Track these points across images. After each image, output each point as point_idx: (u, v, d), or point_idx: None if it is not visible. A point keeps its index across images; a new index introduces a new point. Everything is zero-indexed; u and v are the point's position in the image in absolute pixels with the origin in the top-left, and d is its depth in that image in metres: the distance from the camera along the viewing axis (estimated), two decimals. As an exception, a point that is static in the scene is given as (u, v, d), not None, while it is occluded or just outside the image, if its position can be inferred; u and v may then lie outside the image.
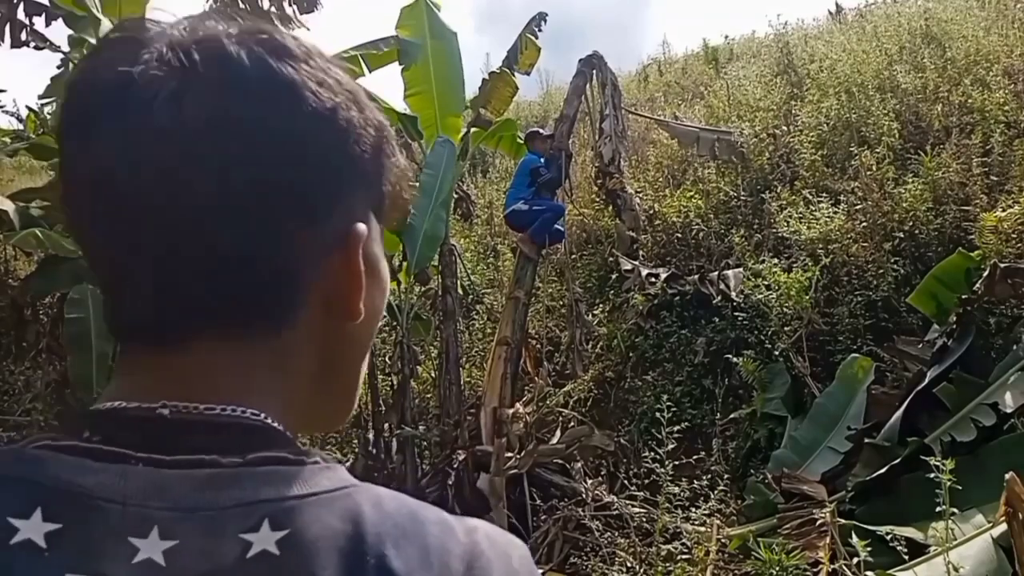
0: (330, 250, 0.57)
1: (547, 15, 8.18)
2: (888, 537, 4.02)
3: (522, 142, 7.93)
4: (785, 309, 6.45)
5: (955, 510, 3.63)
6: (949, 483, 3.44)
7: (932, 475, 3.53)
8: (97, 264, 0.56)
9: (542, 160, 7.51)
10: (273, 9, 7.40)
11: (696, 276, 7.58)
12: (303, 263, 0.56)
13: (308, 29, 7.51)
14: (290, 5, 7.39)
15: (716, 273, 7.41)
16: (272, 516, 0.48)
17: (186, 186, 0.52)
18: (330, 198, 0.57)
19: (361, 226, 0.58)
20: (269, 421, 0.54)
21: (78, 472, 0.48)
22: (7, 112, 8.45)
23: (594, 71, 8.23)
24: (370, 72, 7.90)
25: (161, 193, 0.51)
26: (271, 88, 0.54)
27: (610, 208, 8.82)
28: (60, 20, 7.13)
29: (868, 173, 7.25)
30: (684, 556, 4.46)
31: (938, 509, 3.45)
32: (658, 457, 4.66)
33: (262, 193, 0.53)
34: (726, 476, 5.30)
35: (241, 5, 7.27)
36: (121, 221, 0.53)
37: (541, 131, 8.05)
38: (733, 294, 7.05)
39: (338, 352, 0.60)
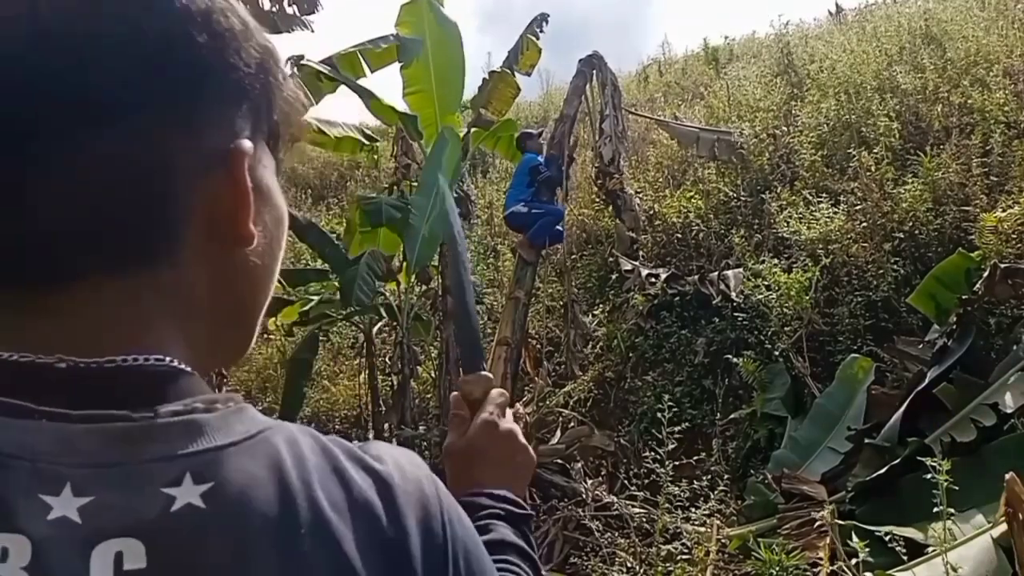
0: (212, 168, 0.52)
1: (549, 16, 8.18)
2: (888, 538, 4.01)
3: (517, 146, 7.93)
4: (785, 309, 6.44)
5: (955, 511, 3.63)
6: (948, 483, 3.44)
7: (932, 475, 3.53)
8: None
9: (540, 159, 7.53)
10: (274, 9, 7.41)
11: (696, 276, 7.59)
12: (181, 181, 0.51)
13: (313, 31, 7.52)
14: (290, 5, 7.39)
15: (716, 273, 7.41)
16: (193, 469, 0.46)
17: (42, 94, 0.47)
18: (207, 108, 0.52)
19: (246, 142, 0.54)
20: (175, 364, 0.50)
21: None
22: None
23: (594, 71, 8.23)
24: (372, 72, 7.88)
25: (8, 102, 0.46)
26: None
27: (610, 208, 8.82)
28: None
29: (868, 173, 7.25)
30: (684, 556, 4.46)
31: (936, 510, 3.45)
32: (658, 457, 4.65)
33: (127, 98, 0.48)
34: (726, 476, 5.30)
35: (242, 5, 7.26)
36: None
37: (532, 131, 8.10)
38: (733, 294, 7.05)
39: (233, 282, 0.56)
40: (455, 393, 0.80)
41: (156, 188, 0.50)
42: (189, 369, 0.51)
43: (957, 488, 3.53)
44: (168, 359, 0.50)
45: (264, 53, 0.57)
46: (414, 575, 0.51)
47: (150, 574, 0.43)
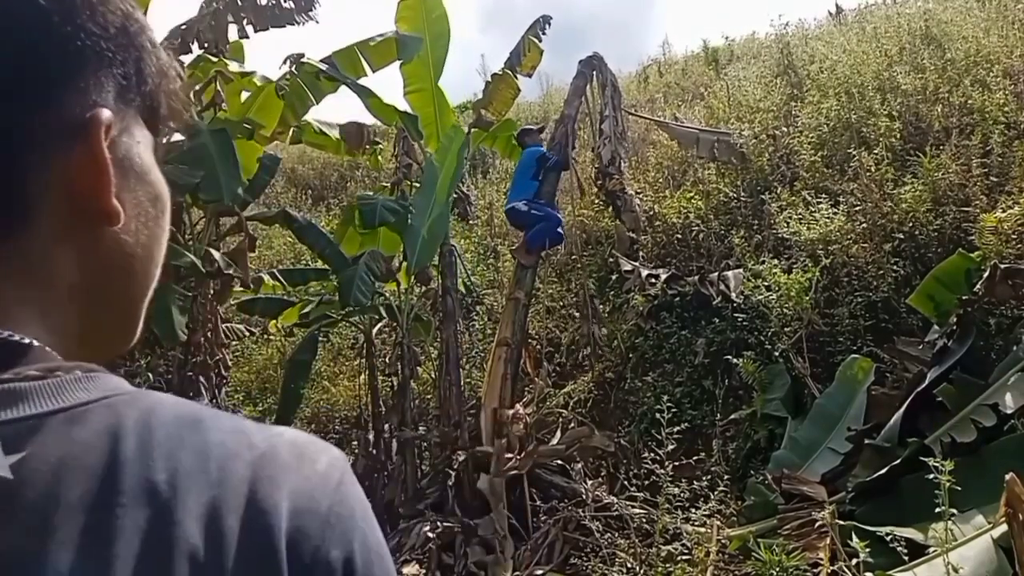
0: (65, 138, 0.50)
1: (551, 18, 8.18)
2: (888, 538, 4.01)
3: (518, 143, 7.94)
4: (785, 310, 6.44)
5: (955, 511, 3.63)
6: (949, 484, 3.44)
7: (932, 476, 3.53)
8: None
9: (544, 149, 7.56)
10: (271, 4, 7.40)
11: (696, 277, 7.58)
12: (30, 153, 0.49)
13: (318, 22, 7.50)
14: (287, 1, 7.38)
15: (716, 274, 7.41)
16: (6, 438, 0.43)
17: None
18: (54, 74, 0.50)
19: (104, 112, 0.51)
20: (16, 337, 0.47)
21: None
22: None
23: (594, 72, 8.23)
24: (374, 72, 7.88)
25: None
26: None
27: (610, 209, 8.82)
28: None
29: (868, 174, 7.25)
30: (684, 557, 4.46)
31: (938, 510, 3.45)
32: (658, 458, 4.65)
33: None
34: (726, 477, 5.29)
35: (239, 3, 7.27)
36: None
37: (531, 127, 8.12)
38: (733, 295, 7.05)
39: (104, 262, 0.53)
40: None
41: (3, 157, 0.48)
42: (35, 343, 0.48)
43: (957, 488, 3.53)
44: (7, 333, 0.47)
45: (125, 18, 0.53)
46: (273, 552, 0.46)
47: None
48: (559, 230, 7.63)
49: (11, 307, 0.49)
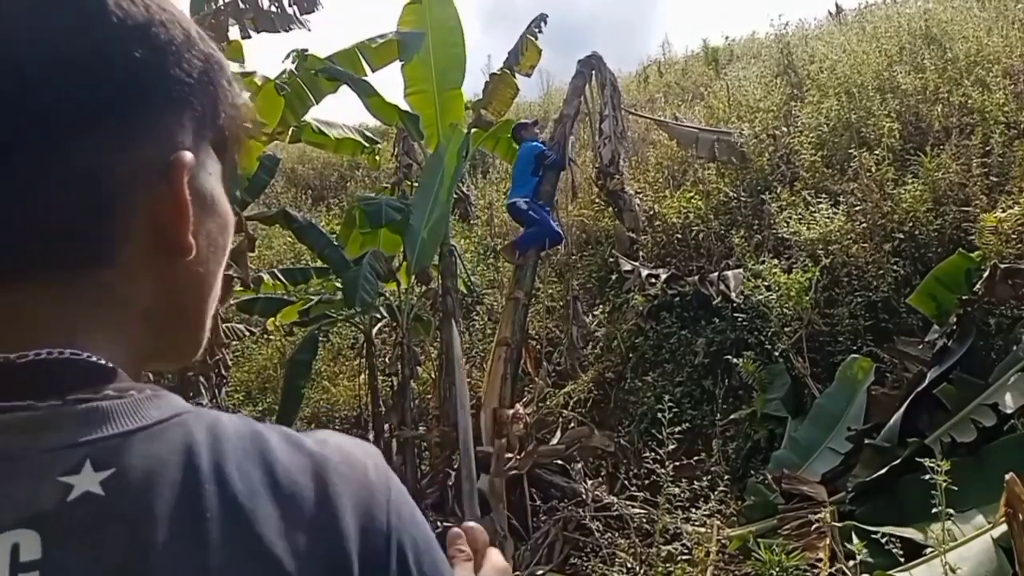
0: (151, 178, 0.53)
1: (547, 16, 8.18)
2: (883, 540, 4.01)
3: (513, 139, 7.95)
4: (785, 310, 6.44)
5: (955, 511, 3.63)
6: (948, 484, 3.44)
7: (929, 476, 3.53)
8: None
9: (542, 145, 7.58)
10: (274, 8, 7.41)
11: (696, 277, 7.58)
12: (118, 192, 0.52)
13: (309, 30, 7.53)
14: (291, 5, 7.40)
15: (716, 274, 7.40)
16: (94, 456, 0.46)
17: None
18: (145, 121, 0.53)
19: (186, 154, 0.55)
20: (94, 359, 0.50)
21: None
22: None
23: (593, 72, 8.23)
24: (373, 72, 7.88)
25: None
26: (76, 2, 0.51)
27: (610, 209, 8.81)
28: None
29: (868, 174, 7.25)
30: (684, 557, 4.46)
31: (935, 510, 3.45)
32: (658, 458, 4.65)
33: (63, 111, 0.50)
34: (726, 477, 5.30)
35: (241, 5, 7.28)
36: None
37: (527, 122, 8.15)
38: (733, 295, 7.05)
39: (176, 289, 0.57)
40: (456, 530, 0.72)
41: (90, 200, 0.51)
42: (111, 364, 0.51)
43: (957, 488, 3.53)
44: (87, 355, 0.50)
45: (207, 61, 0.57)
46: (346, 559, 0.50)
47: (45, 565, 0.43)
48: (558, 230, 7.64)
49: (92, 331, 0.52)
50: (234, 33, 7.33)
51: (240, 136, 0.62)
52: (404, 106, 7.78)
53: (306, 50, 7.25)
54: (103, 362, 0.51)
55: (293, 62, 7.18)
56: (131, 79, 0.52)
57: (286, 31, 7.41)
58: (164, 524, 0.46)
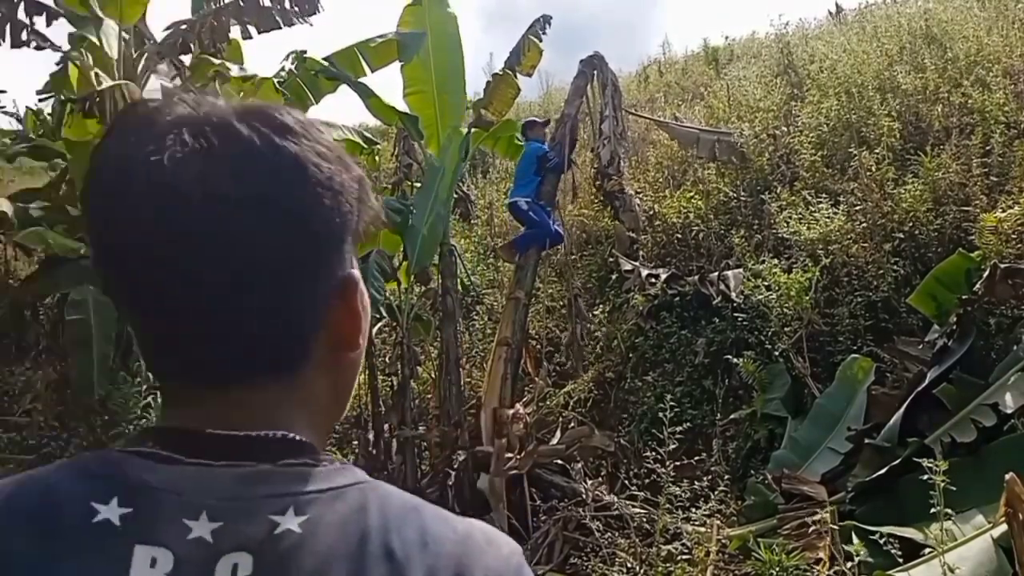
0: (334, 298, 0.69)
1: (551, 18, 8.18)
2: (882, 541, 4.01)
3: (521, 135, 7.94)
4: (785, 310, 6.44)
5: (955, 511, 3.63)
6: (947, 484, 3.44)
7: (927, 477, 3.53)
8: (137, 321, 0.67)
9: (546, 147, 7.56)
10: (275, 8, 7.41)
11: (696, 277, 7.58)
12: (314, 313, 0.68)
13: (311, 24, 7.54)
14: (292, 7, 7.41)
15: (716, 274, 7.40)
16: (296, 504, 0.61)
17: (217, 257, 0.62)
18: (332, 254, 0.68)
19: (356, 272, 0.70)
20: (297, 438, 0.66)
21: (145, 471, 0.62)
22: (7, 113, 8.44)
23: (595, 72, 8.23)
24: (372, 72, 7.89)
25: (197, 263, 0.62)
26: (280, 165, 0.64)
27: (609, 209, 8.81)
28: (60, 20, 7.14)
29: (868, 174, 7.25)
30: (684, 557, 4.46)
31: (933, 510, 3.45)
32: (658, 457, 4.65)
33: (280, 258, 0.64)
34: (726, 477, 5.30)
35: (242, 4, 7.28)
36: (161, 287, 0.64)
37: (537, 120, 8.08)
38: (733, 295, 7.05)
39: (344, 378, 0.74)
40: None
41: (293, 326, 0.67)
42: (308, 441, 0.67)
43: (957, 488, 3.54)
44: (291, 435, 0.66)
45: (360, 184, 0.72)
46: None
47: None
48: (559, 231, 7.64)
49: (294, 418, 0.68)
50: (234, 32, 7.34)
51: (368, 234, 0.74)
52: (404, 106, 7.79)
53: (304, 52, 7.26)
54: (303, 439, 0.66)
55: (292, 63, 7.19)
56: (324, 225, 0.66)
57: (289, 26, 7.41)
58: (341, 562, 0.60)
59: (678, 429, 4.84)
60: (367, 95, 7.52)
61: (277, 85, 7.18)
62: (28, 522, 0.59)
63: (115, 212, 0.64)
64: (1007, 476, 3.40)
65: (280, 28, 7.37)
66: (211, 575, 0.58)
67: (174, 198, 0.61)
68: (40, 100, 7.62)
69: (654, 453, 4.77)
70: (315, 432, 0.69)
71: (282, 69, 7.12)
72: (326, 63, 7.30)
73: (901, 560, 3.84)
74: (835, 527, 4.27)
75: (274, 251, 0.64)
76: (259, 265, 0.63)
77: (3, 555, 0.59)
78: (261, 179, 0.63)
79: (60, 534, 0.59)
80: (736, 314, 6.92)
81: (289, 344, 0.67)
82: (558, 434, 6.70)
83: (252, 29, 7.31)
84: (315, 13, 7.51)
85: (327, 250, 0.68)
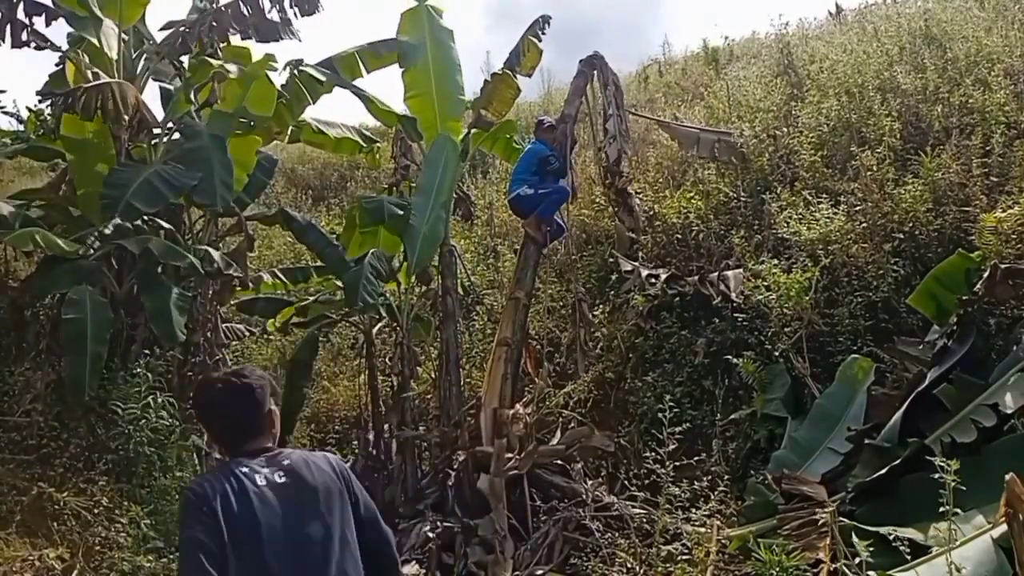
0: (271, 407, 2.39)
1: (551, 17, 8.19)
2: (891, 537, 4.01)
3: (531, 135, 7.93)
4: (785, 310, 6.44)
5: (957, 510, 3.62)
6: (955, 484, 3.43)
7: (934, 475, 3.52)
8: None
9: (548, 150, 7.53)
10: (275, 11, 7.43)
11: (696, 277, 7.57)
12: (270, 415, 2.36)
13: (300, 40, 7.67)
14: (291, 7, 7.42)
15: (716, 274, 7.40)
16: (282, 466, 2.22)
17: (247, 420, 2.31)
18: (267, 406, 2.35)
19: (276, 409, 2.43)
20: (272, 447, 2.34)
21: (241, 465, 2.21)
22: (7, 113, 8.42)
23: (595, 71, 8.22)
24: (368, 73, 7.93)
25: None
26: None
27: (610, 209, 8.80)
28: (60, 20, 7.14)
29: (868, 174, 7.24)
30: (684, 557, 4.46)
31: (941, 510, 3.44)
32: (658, 458, 4.65)
33: (255, 409, 2.33)
34: (726, 477, 5.30)
35: (243, 9, 7.29)
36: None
37: (551, 120, 8.01)
38: (733, 295, 7.04)
39: (277, 425, 2.44)
40: None
41: (266, 417, 2.32)
42: (275, 447, 2.33)
43: (958, 488, 3.52)
44: (273, 447, 2.32)
45: (270, 382, 2.42)
46: (340, 474, 2.30)
47: (288, 481, 2.19)
48: (561, 221, 7.63)
49: (271, 441, 2.33)
50: (234, 40, 7.38)
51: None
52: (403, 109, 7.82)
53: (301, 60, 7.32)
54: (270, 445, 2.31)
55: (290, 72, 7.25)
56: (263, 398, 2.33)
57: (289, 37, 7.48)
58: (301, 464, 2.25)
59: (678, 429, 4.84)
60: (366, 100, 7.57)
61: (278, 88, 7.21)
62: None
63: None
64: (1007, 476, 3.40)
65: (279, 40, 7.42)
66: (270, 481, 2.16)
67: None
68: (40, 101, 7.62)
69: (654, 453, 4.77)
70: (272, 444, 2.31)
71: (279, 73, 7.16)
72: (323, 70, 7.37)
73: (909, 557, 3.84)
74: (837, 524, 4.27)
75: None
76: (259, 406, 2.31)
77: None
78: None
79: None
80: (736, 314, 6.92)
81: (265, 424, 2.31)
82: (558, 434, 6.70)
83: (253, 35, 7.35)
84: (315, 12, 7.53)
85: (267, 405, 2.31)
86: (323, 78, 7.32)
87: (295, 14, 7.49)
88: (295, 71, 7.33)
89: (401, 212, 7.10)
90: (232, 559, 1.97)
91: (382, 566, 2.30)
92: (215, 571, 1.93)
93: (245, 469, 2.13)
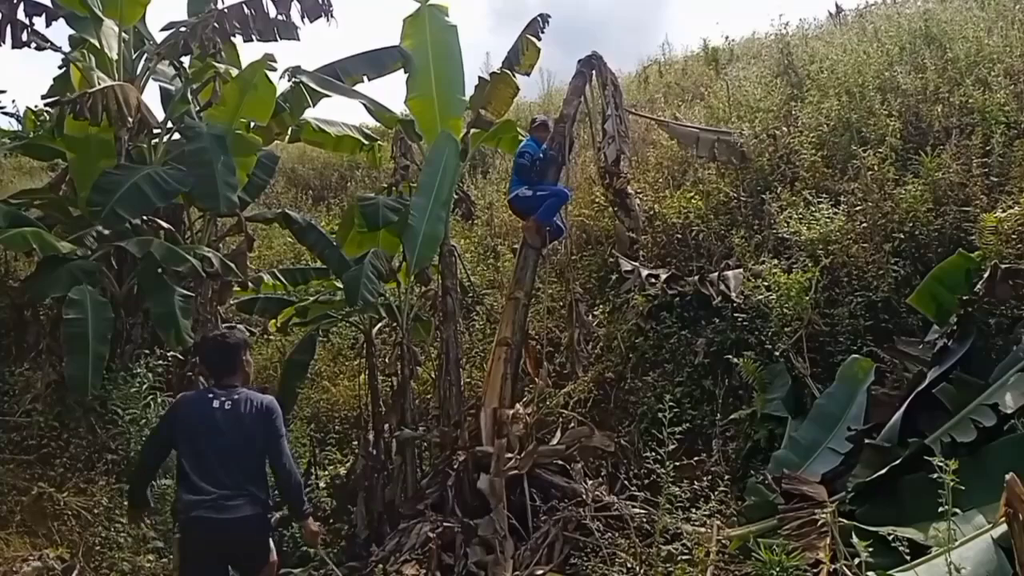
0: (246, 358, 4.07)
1: (550, 16, 8.20)
2: (891, 537, 4.01)
3: (529, 130, 7.93)
4: (785, 310, 6.44)
5: (957, 510, 3.62)
6: (956, 483, 3.42)
7: (933, 476, 3.51)
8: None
9: (541, 149, 7.52)
10: (280, 18, 7.45)
11: (696, 277, 7.57)
12: (245, 359, 3.99)
13: (299, 40, 7.67)
14: (302, 17, 7.47)
15: (716, 274, 7.39)
16: (235, 395, 3.80)
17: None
18: (244, 357, 4.02)
19: (249, 359, 4.13)
20: (236, 384, 3.93)
21: (211, 391, 3.88)
22: (7, 113, 8.43)
23: (593, 71, 8.21)
24: (369, 80, 7.95)
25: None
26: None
27: (610, 209, 8.80)
28: (60, 20, 7.14)
29: (868, 174, 7.25)
30: (684, 557, 4.46)
31: (941, 510, 3.44)
32: (658, 458, 4.65)
33: (237, 355, 3.96)
34: (726, 477, 5.29)
35: (246, 11, 7.29)
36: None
37: (543, 118, 7.98)
38: (733, 295, 7.04)
39: (249, 373, 4.20)
40: None
41: (242, 362, 3.97)
42: (241, 386, 3.93)
43: (957, 488, 3.52)
44: (238, 386, 3.89)
45: (246, 343, 4.15)
46: (270, 421, 3.80)
47: (231, 407, 3.75)
48: (560, 223, 7.63)
49: (240, 381, 3.91)
50: (236, 41, 7.38)
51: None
52: (404, 110, 7.84)
53: (299, 67, 7.35)
54: (236, 384, 3.88)
55: (288, 80, 7.28)
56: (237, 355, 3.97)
57: (289, 39, 7.49)
58: (243, 405, 3.77)
59: (678, 429, 4.82)
60: (367, 104, 7.59)
61: (278, 92, 7.22)
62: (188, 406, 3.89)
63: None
64: (1007, 476, 3.40)
65: (277, 40, 7.44)
66: (222, 404, 3.75)
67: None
68: (47, 106, 7.64)
69: (654, 453, 4.76)
70: (244, 384, 3.91)
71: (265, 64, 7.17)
72: (324, 77, 7.40)
73: (909, 557, 3.84)
74: (837, 524, 4.27)
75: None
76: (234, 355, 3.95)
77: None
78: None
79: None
80: (736, 314, 6.92)
81: (237, 364, 3.91)
82: (558, 434, 6.69)
83: (254, 36, 7.36)
84: (320, 17, 7.55)
85: (246, 356, 3.98)
86: (323, 89, 7.36)
87: (302, 20, 7.53)
88: (294, 79, 7.35)
89: (396, 216, 7.12)
90: (180, 443, 3.69)
91: (280, 478, 3.78)
92: (154, 448, 3.96)
93: (210, 395, 3.76)
